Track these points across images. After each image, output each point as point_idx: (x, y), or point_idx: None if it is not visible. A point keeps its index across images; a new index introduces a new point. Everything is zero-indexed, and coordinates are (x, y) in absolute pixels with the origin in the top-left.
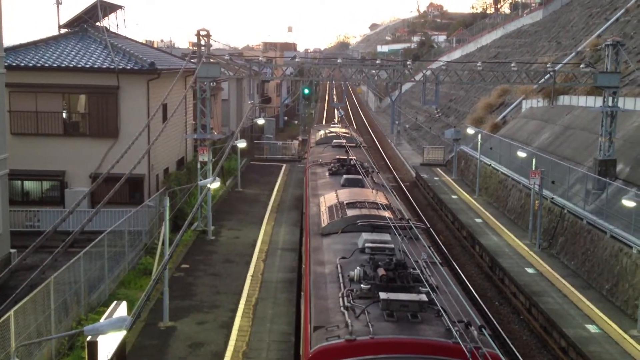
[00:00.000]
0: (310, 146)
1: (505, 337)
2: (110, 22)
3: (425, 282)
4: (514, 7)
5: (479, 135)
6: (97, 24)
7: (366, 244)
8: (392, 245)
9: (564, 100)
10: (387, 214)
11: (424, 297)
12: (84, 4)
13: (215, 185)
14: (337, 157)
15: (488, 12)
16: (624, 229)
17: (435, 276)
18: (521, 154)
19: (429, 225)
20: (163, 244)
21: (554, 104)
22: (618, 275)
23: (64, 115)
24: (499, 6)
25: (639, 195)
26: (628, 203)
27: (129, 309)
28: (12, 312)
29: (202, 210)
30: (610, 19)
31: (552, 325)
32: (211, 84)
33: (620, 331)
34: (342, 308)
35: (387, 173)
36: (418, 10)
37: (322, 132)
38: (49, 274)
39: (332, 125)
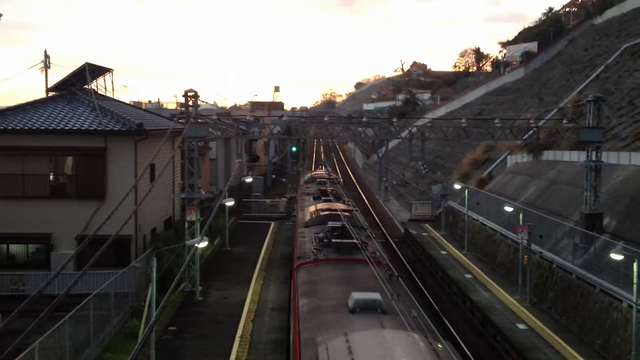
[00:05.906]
0: (300, 184)
1: None
2: (98, 85)
3: (356, 237)
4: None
5: (466, 191)
6: (86, 86)
7: (329, 224)
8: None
9: (548, 155)
10: (344, 214)
11: (355, 242)
12: (72, 68)
13: (203, 244)
14: (320, 188)
15: (470, 70)
16: (613, 282)
17: (368, 238)
18: (508, 209)
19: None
20: (150, 306)
21: (538, 159)
22: (609, 329)
23: (51, 177)
24: (481, 65)
25: (627, 248)
26: (616, 256)
27: None
28: None
29: (190, 270)
30: (590, 76)
31: None
32: (199, 143)
33: None
34: (313, 250)
35: (375, 229)
36: (402, 69)
37: (309, 174)
38: (33, 338)
39: (317, 170)
